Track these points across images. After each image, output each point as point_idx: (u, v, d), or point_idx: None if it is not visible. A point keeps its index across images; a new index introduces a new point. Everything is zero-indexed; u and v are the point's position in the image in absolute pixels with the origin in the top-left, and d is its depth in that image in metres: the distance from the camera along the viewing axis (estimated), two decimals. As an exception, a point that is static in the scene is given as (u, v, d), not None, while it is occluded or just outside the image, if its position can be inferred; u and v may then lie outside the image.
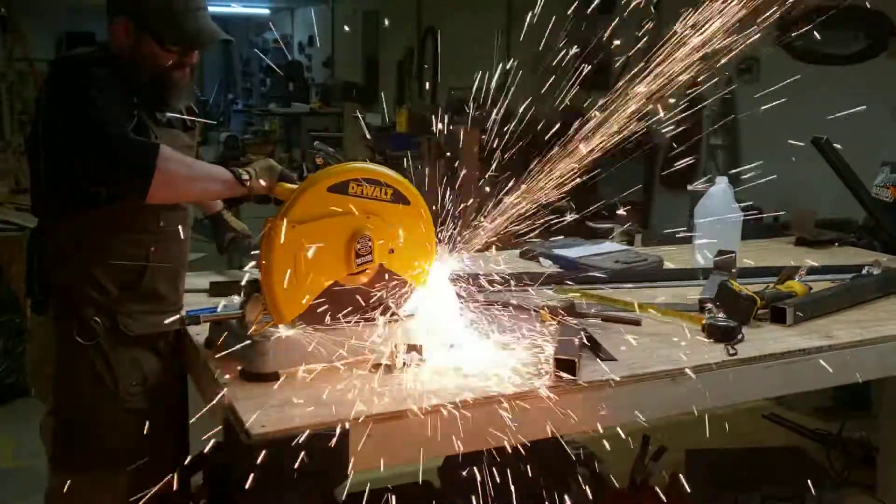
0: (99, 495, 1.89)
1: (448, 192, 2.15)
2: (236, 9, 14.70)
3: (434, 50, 11.27)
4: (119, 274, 1.85)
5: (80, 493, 1.89)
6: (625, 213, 3.50)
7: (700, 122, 7.06)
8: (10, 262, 4.36)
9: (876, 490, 2.76)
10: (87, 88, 1.70)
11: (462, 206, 2.09)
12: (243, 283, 1.77)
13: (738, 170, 6.59)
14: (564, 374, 1.68)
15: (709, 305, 2.09)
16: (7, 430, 3.82)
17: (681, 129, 2.21)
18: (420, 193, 1.84)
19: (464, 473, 2.48)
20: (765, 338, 1.99)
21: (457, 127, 7.36)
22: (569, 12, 3.07)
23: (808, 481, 2.45)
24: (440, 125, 3.44)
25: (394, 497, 2.33)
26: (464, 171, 2.57)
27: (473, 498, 2.46)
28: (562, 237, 2.84)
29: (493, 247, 2.08)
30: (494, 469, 2.46)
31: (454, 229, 2.02)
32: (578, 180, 2.04)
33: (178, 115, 2.00)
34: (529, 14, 2.65)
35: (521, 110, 2.52)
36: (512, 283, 2.42)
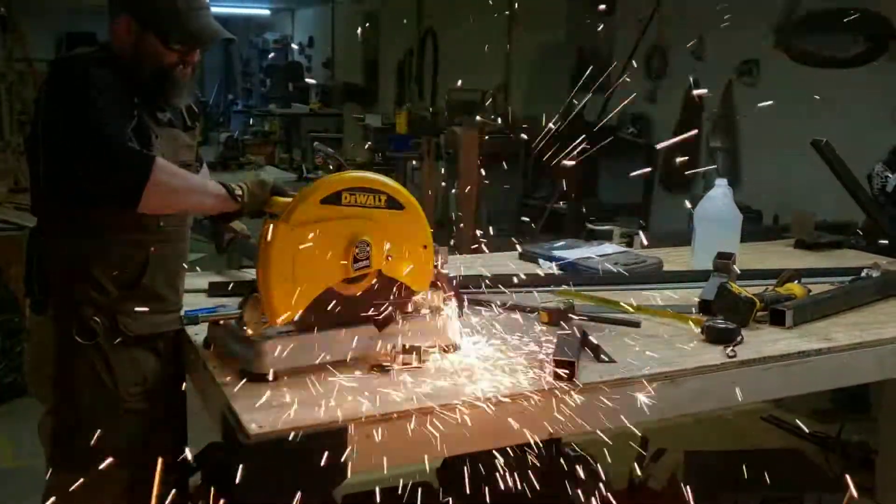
0: (97, 495, 1.89)
1: (448, 193, 2.16)
2: (236, 9, 14.72)
3: (434, 51, 11.28)
4: (119, 274, 1.85)
5: (79, 493, 1.89)
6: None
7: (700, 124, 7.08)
8: (9, 261, 4.35)
9: (875, 493, 2.76)
10: (87, 89, 1.70)
11: (462, 205, 2.09)
12: (242, 283, 1.77)
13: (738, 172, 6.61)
14: (563, 376, 1.68)
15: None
16: (5, 430, 3.82)
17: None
18: (416, 197, 1.83)
19: (463, 475, 2.49)
20: (764, 340, 1.99)
21: (457, 128, 7.38)
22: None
23: (808, 483, 2.46)
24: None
25: (393, 498, 2.34)
26: (464, 172, 2.57)
27: (472, 499, 2.47)
28: (562, 239, 2.85)
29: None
30: (493, 470, 2.47)
31: (454, 230, 2.02)
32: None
33: (176, 111, 1.99)
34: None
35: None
36: (511, 284, 2.43)
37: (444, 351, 1.84)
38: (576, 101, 8.91)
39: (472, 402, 1.60)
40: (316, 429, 1.46)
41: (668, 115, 7.47)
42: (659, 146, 4.75)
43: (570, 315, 2.06)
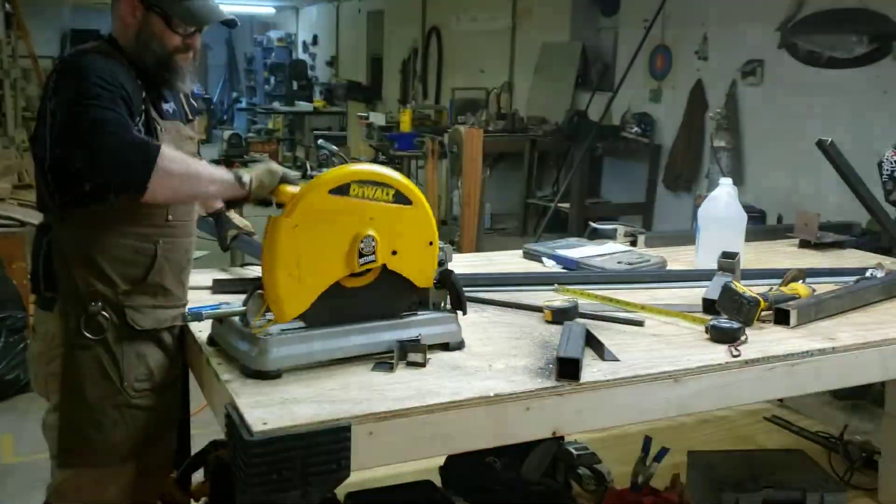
0: (104, 490, 1.90)
1: (452, 191, 2.15)
2: (241, 7, 14.71)
3: (438, 50, 11.28)
4: (128, 268, 1.86)
5: (86, 488, 1.89)
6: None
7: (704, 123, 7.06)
8: (13, 258, 4.36)
9: (878, 493, 2.75)
10: (92, 84, 1.70)
11: (466, 204, 2.08)
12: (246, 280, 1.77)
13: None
14: (567, 375, 1.68)
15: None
16: (8, 426, 3.83)
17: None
18: (423, 193, 1.83)
19: (465, 472, 2.49)
20: (768, 339, 1.99)
21: (461, 126, 7.37)
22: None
23: (810, 483, 2.45)
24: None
25: (395, 496, 2.34)
26: (468, 171, 2.57)
27: (475, 497, 2.47)
28: (565, 237, 2.84)
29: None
30: (496, 468, 2.47)
31: (458, 228, 2.02)
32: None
33: (178, 104, 2.00)
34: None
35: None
36: (515, 282, 2.43)
37: (448, 349, 1.83)
38: (580, 101, 8.90)
39: (475, 400, 1.59)
40: (319, 426, 1.46)
41: (672, 114, 7.46)
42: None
43: (574, 314, 2.06)
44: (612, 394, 1.72)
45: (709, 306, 2.12)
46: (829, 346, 1.97)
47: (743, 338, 1.94)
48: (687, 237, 2.94)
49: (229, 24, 1.97)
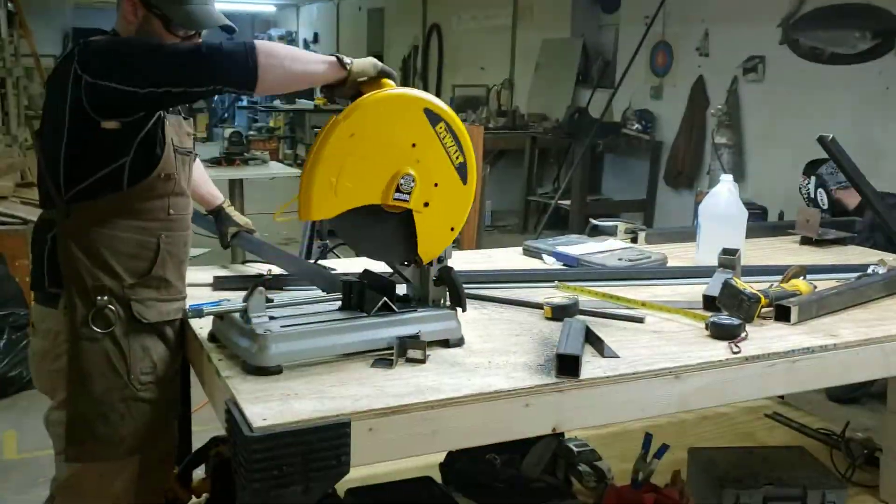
0: (110, 483, 1.90)
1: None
2: (242, 5, 14.71)
3: (439, 47, 11.27)
4: (132, 262, 1.87)
5: (92, 482, 1.90)
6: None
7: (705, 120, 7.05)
8: (16, 255, 4.37)
9: (879, 490, 2.75)
10: (140, 42, 1.82)
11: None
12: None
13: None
14: (567, 371, 1.68)
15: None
16: (11, 423, 3.84)
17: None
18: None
19: (466, 469, 2.49)
20: (769, 336, 1.99)
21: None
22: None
23: (812, 480, 2.45)
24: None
25: (395, 492, 2.34)
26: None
27: (475, 494, 2.47)
28: (566, 234, 2.84)
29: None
30: (496, 465, 2.47)
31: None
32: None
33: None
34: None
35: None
36: (515, 279, 2.43)
37: (447, 346, 1.84)
38: (581, 97, 8.90)
39: (474, 396, 1.60)
40: (319, 422, 1.46)
41: (674, 111, 7.46)
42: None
43: (574, 310, 2.06)
44: (613, 390, 1.72)
45: (709, 303, 2.12)
46: (831, 343, 1.97)
47: (743, 334, 1.94)
48: (688, 234, 2.94)
49: (227, 30, 1.98)
